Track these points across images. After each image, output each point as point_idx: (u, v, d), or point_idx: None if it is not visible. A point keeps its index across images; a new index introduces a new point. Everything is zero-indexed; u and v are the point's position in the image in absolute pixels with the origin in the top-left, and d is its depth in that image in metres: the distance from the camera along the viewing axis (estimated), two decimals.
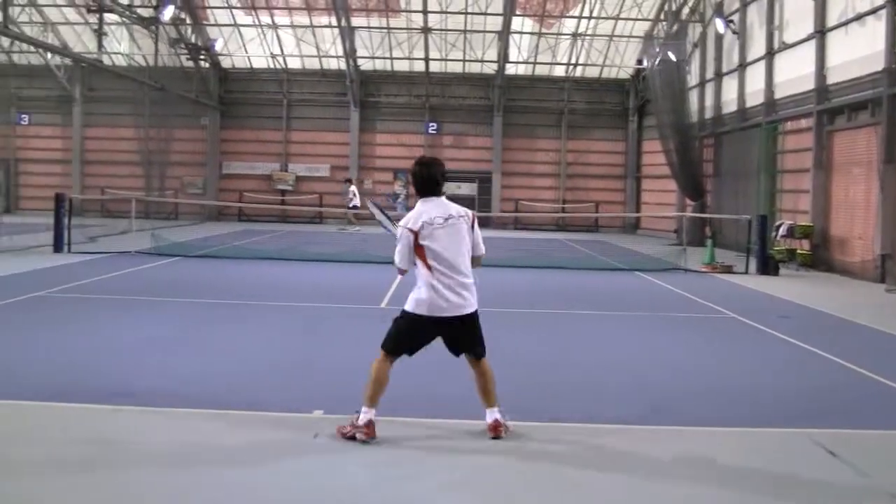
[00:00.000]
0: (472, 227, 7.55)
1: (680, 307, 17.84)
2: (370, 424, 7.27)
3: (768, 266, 24.93)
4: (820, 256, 27.05)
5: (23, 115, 48.73)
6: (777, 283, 22.91)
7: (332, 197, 47.04)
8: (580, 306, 17.40)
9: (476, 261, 7.61)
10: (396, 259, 7.51)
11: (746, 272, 24.79)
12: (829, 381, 10.87)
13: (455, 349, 7.66)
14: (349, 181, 42.44)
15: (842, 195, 26.90)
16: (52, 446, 7.12)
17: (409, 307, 7.45)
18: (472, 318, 7.50)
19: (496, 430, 7.47)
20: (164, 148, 43.96)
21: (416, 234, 7.34)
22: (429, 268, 7.33)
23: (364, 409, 7.31)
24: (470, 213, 7.61)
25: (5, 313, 14.03)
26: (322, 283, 20.04)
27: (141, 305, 15.56)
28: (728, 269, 25.21)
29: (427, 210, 7.44)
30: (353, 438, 7.27)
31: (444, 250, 7.33)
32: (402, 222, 7.50)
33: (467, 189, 48.76)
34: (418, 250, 7.35)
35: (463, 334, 7.53)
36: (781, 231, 27.84)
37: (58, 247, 24.85)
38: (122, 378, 9.68)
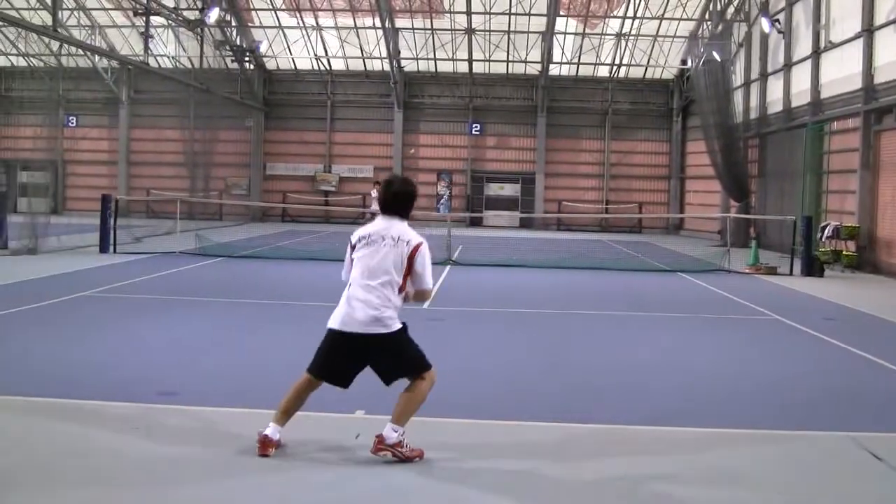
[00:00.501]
0: (412, 257, 7.08)
1: (722, 308, 17.71)
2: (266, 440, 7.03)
3: (813, 267, 24.69)
4: (866, 258, 26.75)
5: (70, 118, 49.38)
6: (822, 284, 22.68)
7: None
8: (621, 308, 17.32)
9: (419, 295, 7.33)
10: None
11: (791, 274, 24.56)
12: (873, 383, 10.75)
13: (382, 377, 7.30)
14: (378, 184, 42.36)
15: (889, 196, 26.59)
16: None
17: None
18: (376, 339, 7.06)
19: (376, 447, 6.94)
20: (209, 149, 44.26)
21: (352, 247, 7.28)
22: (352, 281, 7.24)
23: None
24: (415, 242, 7.12)
25: (52, 312, 14.22)
26: None
27: (184, 305, 15.72)
28: (772, 271, 24.99)
29: (372, 226, 7.30)
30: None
31: (364, 267, 7.14)
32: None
33: (510, 190, 48.85)
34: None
35: (376, 354, 7.16)
36: (827, 232, 27.56)
37: (104, 247, 25.12)
38: (165, 376, 9.80)
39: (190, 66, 43.33)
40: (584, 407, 9.06)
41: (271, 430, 7.00)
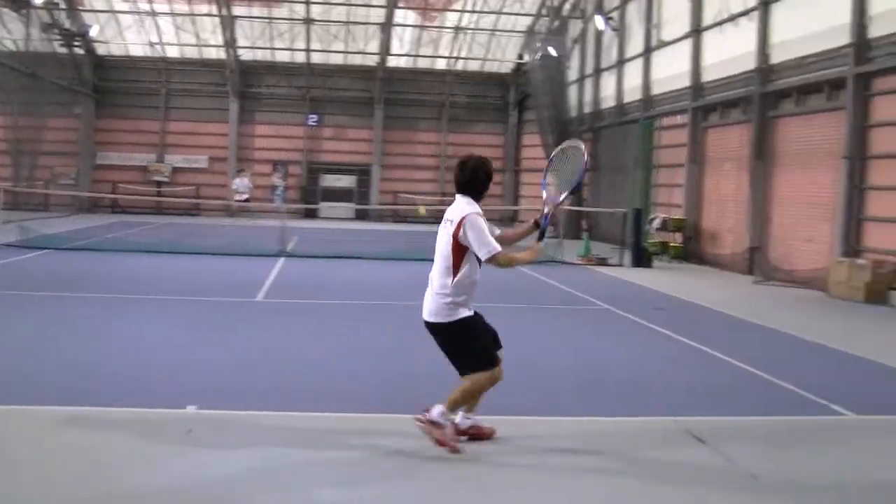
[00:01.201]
0: (456, 234, 6.88)
1: (555, 299, 17.99)
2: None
3: (642, 258, 25.39)
4: (692, 249, 27.66)
5: None
6: (650, 274, 23.30)
7: (210, 189, 46.33)
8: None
9: (490, 262, 6.96)
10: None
11: (621, 265, 25.17)
12: (699, 370, 11.05)
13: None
14: (242, 171, 41.52)
15: (714, 190, 27.56)
16: None
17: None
18: (436, 329, 6.99)
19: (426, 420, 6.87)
20: (35, 137, 42.44)
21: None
22: None
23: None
24: (458, 217, 6.92)
25: None
26: (198, 276, 19.55)
27: (3, 300, 14.99)
28: (603, 262, 25.56)
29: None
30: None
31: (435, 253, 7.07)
32: None
33: (347, 181, 48.62)
34: None
35: (440, 343, 7.06)
36: (655, 224, 28.37)
37: None
38: None
39: (14, 48, 41.49)
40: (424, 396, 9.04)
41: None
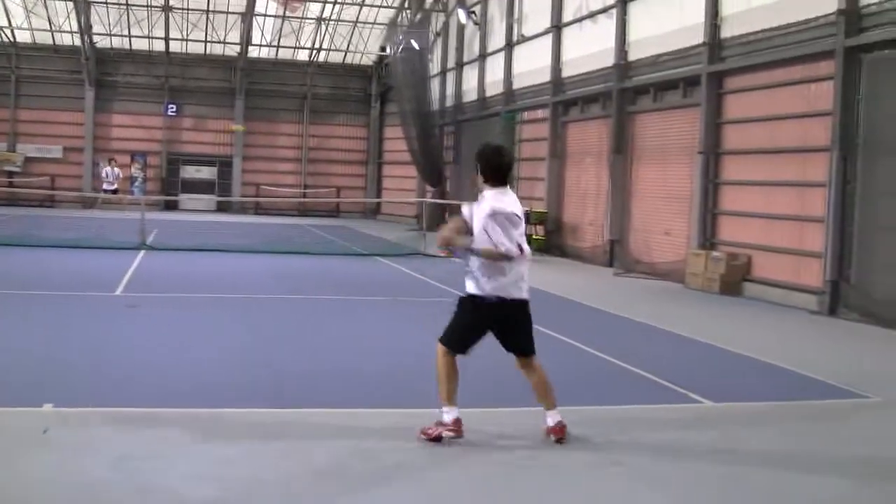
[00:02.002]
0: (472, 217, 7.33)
1: (420, 291, 18.11)
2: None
3: None
4: (553, 242, 28.13)
5: None
6: None
7: (66, 179, 44.95)
8: (316, 291, 17.36)
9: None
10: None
11: None
12: (560, 361, 11.26)
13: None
14: (112, 160, 40.37)
15: (575, 183, 28.09)
16: None
17: (468, 291, 7.38)
18: (523, 307, 7.43)
19: (558, 433, 7.32)
20: None
21: None
22: None
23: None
24: (477, 206, 7.35)
25: None
26: (54, 270, 18.98)
27: None
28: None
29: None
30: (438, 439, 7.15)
31: None
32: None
33: (208, 173, 47.94)
34: None
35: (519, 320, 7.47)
36: None
37: None
38: None
39: None
40: (295, 392, 9.04)
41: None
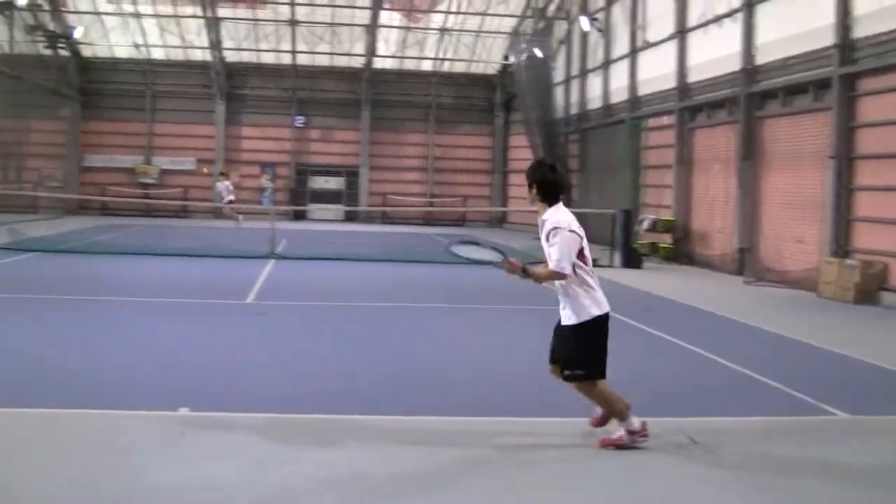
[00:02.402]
0: (548, 238, 7.18)
1: (545, 300, 18.03)
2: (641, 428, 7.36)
3: (632, 259, 25.50)
4: (681, 250, 27.79)
5: None
6: (640, 276, 23.42)
7: (198, 191, 46.34)
8: (443, 300, 17.50)
9: (552, 276, 7.20)
10: (565, 263, 7.14)
11: (611, 266, 25.24)
12: (689, 370, 11.17)
13: None
14: (224, 175, 41.47)
15: (702, 190, 27.69)
16: None
17: (585, 317, 7.26)
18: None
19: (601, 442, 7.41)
20: (21, 139, 42.31)
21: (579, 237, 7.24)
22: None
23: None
24: (548, 222, 7.23)
25: None
26: (188, 279, 19.58)
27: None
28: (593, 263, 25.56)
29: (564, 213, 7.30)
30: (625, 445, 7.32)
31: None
32: (561, 226, 7.16)
33: (335, 183, 48.67)
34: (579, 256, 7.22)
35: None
36: (645, 225, 28.47)
37: None
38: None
39: None
40: (410, 399, 9.13)
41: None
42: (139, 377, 9.63)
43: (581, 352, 7.27)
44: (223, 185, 38.64)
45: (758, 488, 6.60)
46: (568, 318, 7.29)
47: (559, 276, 7.11)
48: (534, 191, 7.34)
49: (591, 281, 7.27)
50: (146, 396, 8.64)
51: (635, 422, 7.29)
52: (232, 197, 37.93)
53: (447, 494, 6.28)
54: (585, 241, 7.27)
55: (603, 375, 7.33)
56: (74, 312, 14.32)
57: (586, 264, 7.28)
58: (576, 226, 7.18)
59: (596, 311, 7.23)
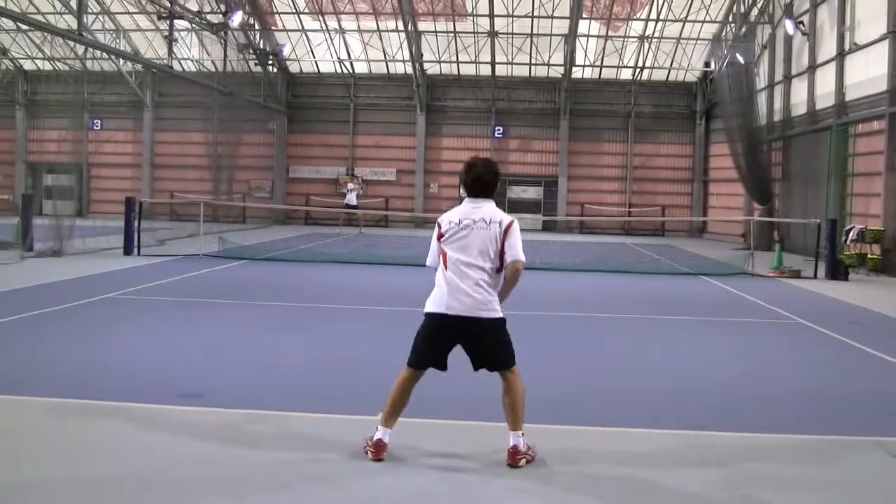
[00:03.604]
0: (505, 234, 7.17)
1: (747, 312, 17.63)
2: (379, 444, 7.09)
3: (838, 271, 24.56)
4: (891, 261, 26.58)
5: (95, 121, 49.64)
6: (847, 288, 22.56)
7: (399, 200, 47.45)
8: (645, 311, 17.29)
9: (510, 267, 7.18)
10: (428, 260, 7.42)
11: (815, 277, 24.42)
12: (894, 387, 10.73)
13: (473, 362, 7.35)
14: (354, 177, 42.19)
15: None
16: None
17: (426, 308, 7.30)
18: (484, 325, 7.11)
19: (513, 458, 6.98)
20: (232, 152, 44.22)
21: (441, 233, 7.24)
22: (445, 267, 7.17)
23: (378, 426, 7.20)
24: (506, 222, 7.22)
25: (78, 314, 14.33)
26: (389, 286, 19.94)
27: (208, 308, 15.78)
28: (796, 274, 24.86)
29: (461, 210, 7.29)
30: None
31: (459, 252, 7.14)
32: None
33: (533, 193, 48.82)
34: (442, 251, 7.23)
35: (488, 338, 7.17)
36: (851, 235, 27.39)
37: (128, 249, 25.23)
38: (190, 378, 9.87)
39: (213, 69, 43.38)
40: (608, 412, 9.07)
41: (382, 433, 7.08)
42: (343, 381, 9.83)
43: (509, 343, 7.31)
44: (354, 193, 39.81)
45: None
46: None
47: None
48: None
49: (441, 277, 7.20)
50: (341, 402, 8.83)
51: (378, 433, 7.08)
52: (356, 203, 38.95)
53: None
54: (456, 232, 7.18)
55: (413, 365, 7.29)
56: (276, 316, 14.84)
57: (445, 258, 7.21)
58: (446, 219, 7.26)
59: (428, 308, 7.21)
